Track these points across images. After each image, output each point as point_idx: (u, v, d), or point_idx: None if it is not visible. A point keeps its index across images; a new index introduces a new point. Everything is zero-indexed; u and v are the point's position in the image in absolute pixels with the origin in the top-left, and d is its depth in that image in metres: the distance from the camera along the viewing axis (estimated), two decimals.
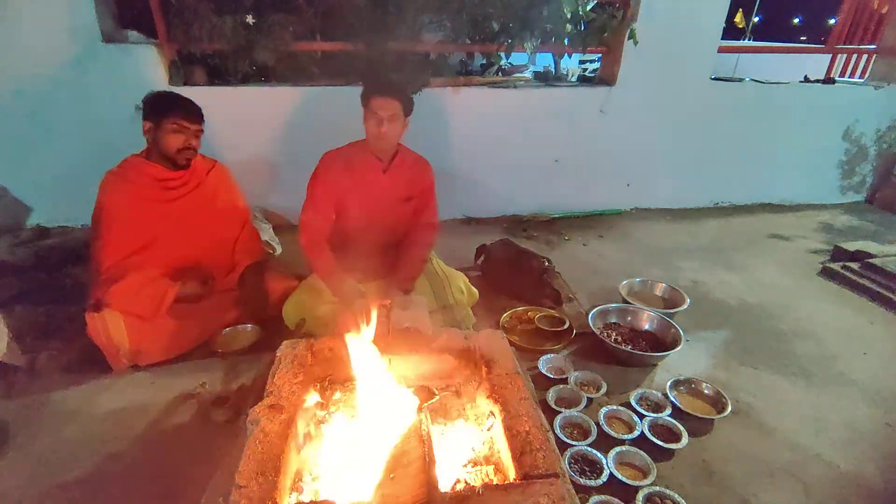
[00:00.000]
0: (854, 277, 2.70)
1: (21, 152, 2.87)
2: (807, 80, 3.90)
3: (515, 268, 2.51)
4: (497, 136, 3.31)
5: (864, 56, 4.63)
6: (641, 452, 1.52)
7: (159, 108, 1.89)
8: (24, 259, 2.57)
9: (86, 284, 2.01)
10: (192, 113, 1.93)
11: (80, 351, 1.92)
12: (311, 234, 1.96)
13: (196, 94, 2.84)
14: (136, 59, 2.76)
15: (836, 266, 2.83)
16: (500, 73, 3.63)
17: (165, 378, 1.87)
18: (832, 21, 4.00)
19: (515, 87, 3.29)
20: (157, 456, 1.54)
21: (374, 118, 1.86)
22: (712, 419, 1.71)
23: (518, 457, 1.10)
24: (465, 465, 1.24)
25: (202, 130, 1.98)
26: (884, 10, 4.55)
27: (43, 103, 2.77)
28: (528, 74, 3.76)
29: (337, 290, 1.86)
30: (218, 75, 3.03)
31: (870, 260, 2.73)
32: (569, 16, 2.97)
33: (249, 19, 2.78)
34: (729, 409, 1.72)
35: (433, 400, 1.40)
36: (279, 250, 2.85)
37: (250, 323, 2.11)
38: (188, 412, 1.71)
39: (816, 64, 4.84)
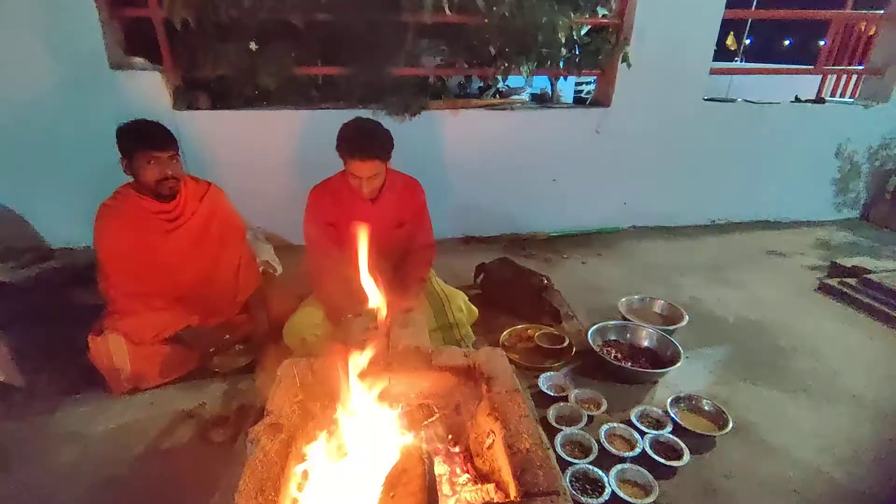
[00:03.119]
0: (852, 293, 2.71)
1: (27, 175, 2.93)
2: (798, 99, 3.98)
3: (515, 286, 2.53)
4: (495, 157, 3.37)
5: (854, 76, 4.73)
6: (643, 470, 1.51)
7: (127, 143, 1.82)
8: (26, 280, 2.58)
9: (88, 306, 2.02)
10: (160, 141, 1.84)
11: (80, 372, 1.92)
12: (316, 274, 2.04)
13: (199, 117, 2.95)
14: (141, 85, 2.83)
15: (833, 282, 2.84)
16: (497, 96, 3.71)
17: (164, 398, 1.87)
18: (822, 43, 4.10)
19: (513, 108, 3.36)
20: (155, 477, 1.53)
21: (354, 178, 1.85)
22: (714, 436, 1.71)
23: (518, 475, 1.10)
24: (466, 484, 1.24)
25: (177, 154, 1.90)
26: (871, 33, 4.67)
27: (50, 127, 2.83)
28: (525, 96, 3.84)
29: (334, 322, 1.93)
30: (221, 99, 3.09)
31: (867, 275, 2.74)
32: (563, 40, 3.06)
33: (252, 46, 2.86)
34: (730, 425, 1.72)
35: (433, 418, 1.40)
36: (280, 270, 2.86)
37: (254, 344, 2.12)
38: (187, 432, 1.70)
39: (807, 84, 4.94)
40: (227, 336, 2.03)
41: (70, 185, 2.95)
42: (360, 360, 1.33)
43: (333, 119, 2.99)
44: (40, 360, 2.00)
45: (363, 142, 1.83)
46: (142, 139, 1.82)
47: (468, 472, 1.28)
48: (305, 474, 1.18)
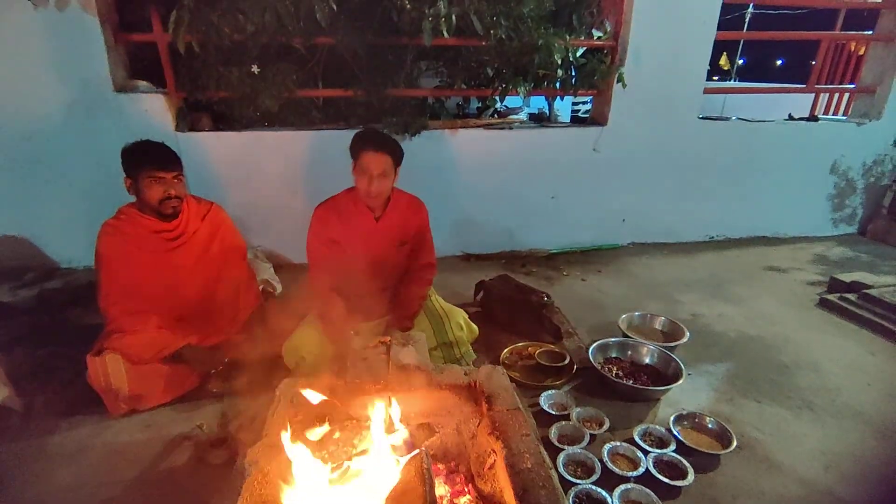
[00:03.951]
0: (852, 308, 2.71)
1: (30, 195, 2.95)
2: (791, 118, 4.04)
3: (515, 303, 2.52)
4: (494, 175, 3.40)
5: (847, 94, 4.82)
6: (647, 490, 1.49)
7: (132, 163, 1.85)
8: (26, 301, 2.58)
9: (88, 326, 2.01)
10: (166, 161, 1.87)
11: (78, 394, 1.90)
12: (317, 290, 2.03)
13: (202, 139, 2.99)
14: (145, 107, 2.88)
15: (833, 297, 2.84)
16: (495, 116, 3.77)
17: (161, 420, 1.85)
18: (814, 63, 4.20)
19: (511, 128, 3.41)
20: (153, 499, 1.50)
21: (364, 175, 1.87)
22: (718, 454, 1.68)
23: (521, 495, 1.09)
24: None
25: (181, 175, 1.93)
26: (860, 52, 4.78)
27: (53, 148, 2.86)
28: (522, 116, 3.90)
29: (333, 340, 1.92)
30: (223, 121, 3.14)
31: (867, 291, 2.74)
32: (559, 62, 3.12)
33: (254, 69, 2.92)
34: (734, 443, 1.70)
35: (433, 438, 1.38)
36: (279, 289, 2.86)
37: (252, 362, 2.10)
38: (184, 454, 1.68)
39: (800, 103, 5.02)
40: (227, 360, 2.02)
41: (73, 206, 2.97)
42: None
43: (334, 140, 3.07)
44: (39, 382, 1.99)
45: (377, 135, 1.94)
46: (147, 159, 1.85)
47: (469, 493, 1.27)
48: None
